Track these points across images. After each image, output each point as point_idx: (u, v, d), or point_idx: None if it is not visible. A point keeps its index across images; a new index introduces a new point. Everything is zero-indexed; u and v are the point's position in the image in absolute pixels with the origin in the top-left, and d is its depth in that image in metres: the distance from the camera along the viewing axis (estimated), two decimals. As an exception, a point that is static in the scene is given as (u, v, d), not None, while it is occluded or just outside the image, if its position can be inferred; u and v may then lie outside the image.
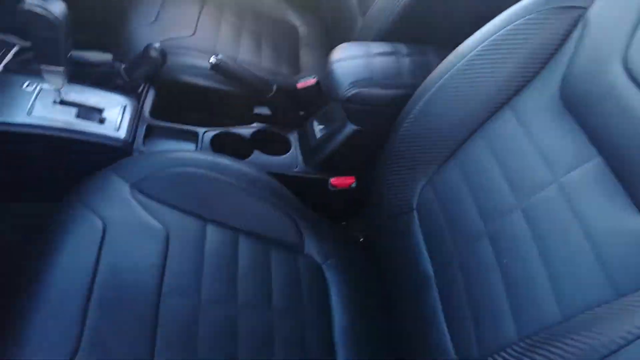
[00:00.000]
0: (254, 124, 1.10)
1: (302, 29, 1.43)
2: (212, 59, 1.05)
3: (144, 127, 1.01)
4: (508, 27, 0.74)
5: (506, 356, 0.56)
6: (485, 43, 0.76)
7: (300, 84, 1.11)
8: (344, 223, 1.12)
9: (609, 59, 0.62)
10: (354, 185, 1.02)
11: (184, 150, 1.01)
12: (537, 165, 0.65)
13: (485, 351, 0.60)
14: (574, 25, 0.69)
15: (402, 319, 0.80)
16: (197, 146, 1.03)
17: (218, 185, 0.87)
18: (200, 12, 1.27)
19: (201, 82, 1.10)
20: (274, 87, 1.07)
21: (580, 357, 0.48)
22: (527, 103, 0.71)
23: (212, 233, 0.82)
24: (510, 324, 0.58)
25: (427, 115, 0.81)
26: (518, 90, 0.73)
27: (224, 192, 0.87)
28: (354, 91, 0.94)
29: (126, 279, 0.71)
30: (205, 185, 0.86)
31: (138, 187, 0.82)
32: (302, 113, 1.12)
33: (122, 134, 0.95)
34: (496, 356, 0.57)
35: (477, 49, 0.76)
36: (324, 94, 1.11)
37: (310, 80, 1.11)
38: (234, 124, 1.10)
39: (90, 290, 0.68)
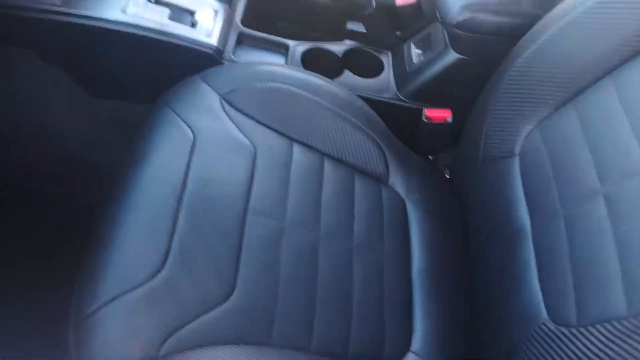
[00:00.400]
0: (346, 41, 1.04)
1: (404, -63, 1.30)
2: (311, -34, 0.97)
3: (235, 34, 0.97)
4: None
5: (612, 330, 0.52)
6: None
7: (400, 1, 1.02)
8: (431, 157, 1.07)
9: None
10: (449, 119, 0.95)
11: (274, 63, 0.97)
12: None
13: (586, 319, 0.55)
14: None
15: (485, 269, 0.77)
16: (286, 60, 0.98)
17: (307, 105, 0.84)
18: None
19: (296, -10, 1.03)
20: (373, 3, 0.99)
21: None
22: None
23: (299, 154, 0.79)
24: (620, 296, 0.53)
25: (548, 53, 0.72)
26: (668, 35, 0.63)
27: (313, 113, 0.83)
28: (465, 15, 0.85)
29: (215, 192, 0.70)
30: (294, 103, 0.83)
31: (227, 99, 0.80)
32: (398, 34, 1.04)
33: (213, 40, 0.91)
34: (599, 327, 0.53)
35: None
36: (425, 14, 1.02)
37: (412, -2, 1.02)
38: (325, 38, 1.03)
39: (180, 199, 0.68)
